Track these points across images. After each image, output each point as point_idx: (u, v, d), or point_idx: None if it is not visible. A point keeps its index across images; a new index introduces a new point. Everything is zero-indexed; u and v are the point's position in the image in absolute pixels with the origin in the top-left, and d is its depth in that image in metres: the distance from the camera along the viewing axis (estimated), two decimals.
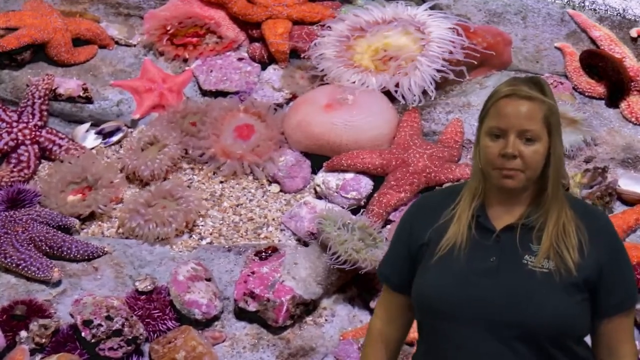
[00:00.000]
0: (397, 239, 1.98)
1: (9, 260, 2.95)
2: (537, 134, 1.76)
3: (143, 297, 2.88)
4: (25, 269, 2.93)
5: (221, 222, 3.32)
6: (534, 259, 1.77)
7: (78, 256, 3.05)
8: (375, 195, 3.28)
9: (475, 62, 3.67)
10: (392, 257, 1.98)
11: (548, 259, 1.77)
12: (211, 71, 3.87)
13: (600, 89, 3.76)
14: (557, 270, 1.76)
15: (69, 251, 3.04)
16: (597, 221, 1.85)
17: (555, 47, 3.97)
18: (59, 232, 3.11)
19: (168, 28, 3.99)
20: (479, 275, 1.78)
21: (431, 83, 3.54)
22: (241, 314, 2.90)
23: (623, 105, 3.70)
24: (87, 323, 2.68)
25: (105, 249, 3.10)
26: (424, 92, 3.55)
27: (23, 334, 2.75)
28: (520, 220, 1.81)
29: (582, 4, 4.11)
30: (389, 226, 3.18)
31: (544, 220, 1.80)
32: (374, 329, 2.01)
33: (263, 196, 3.44)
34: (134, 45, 4.05)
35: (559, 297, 1.75)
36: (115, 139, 3.68)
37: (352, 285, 3.00)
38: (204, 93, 3.85)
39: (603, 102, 3.74)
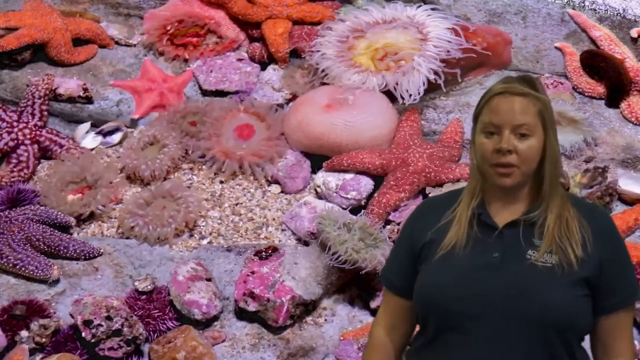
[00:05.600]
0: (400, 243, 1.98)
1: (5, 260, 2.95)
2: (532, 129, 1.78)
3: (143, 297, 2.88)
4: (23, 268, 2.93)
5: (221, 222, 3.32)
6: (537, 253, 1.78)
7: (75, 255, 3.05)
8: (375, 195, 3.28)
9: (475, 62, 3.67)
10: (395, 262, 1.99)
11: (551, 253, 1.78)
12: (211, 71, 3.87)
13: (600, 89, 3.76)
14: (560, 264, 1.77)
15: (65, 250, 3.04)
16: (600, 220, 1.85)
17: (555, 47, 3.97)
18: (56, 230, 3.11)
19: (168, 28, 4.00)
20: (481, 271, 1.79)
21: (424, 84, 3.54)
22: (241, 314, 2.90)
23: (623, 105, 3.70)
24: (87, 323, 2.68)
25: (101, 250, 3.10)
26: (423, 92, 3.55)
27: (23, 333, 2.75)
28: (522, 216, 1.82)
29: (582, 4, 4.11)
30: (389, 226, 3.18)
31: (545, 216, 1.81)
32: (377, 336, 1.99)
33: (263, 196, 3.44)
34: (134, 45, 4.06)
35: (562, 291, 1.75)
36: (115, 139, 3.68)
37: (352, 285, 3.00)
38: (204, 93, 3.85)
39: (603, 102, 3.74)
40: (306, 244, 3.17)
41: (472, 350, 1.77)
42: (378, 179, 3.37)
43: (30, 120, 3.58)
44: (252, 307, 2.84)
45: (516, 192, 1.84)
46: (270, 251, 3.01)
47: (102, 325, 2.68)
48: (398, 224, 3.18)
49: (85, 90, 3.74)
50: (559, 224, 1.80)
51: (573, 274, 1.77)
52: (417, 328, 1.96)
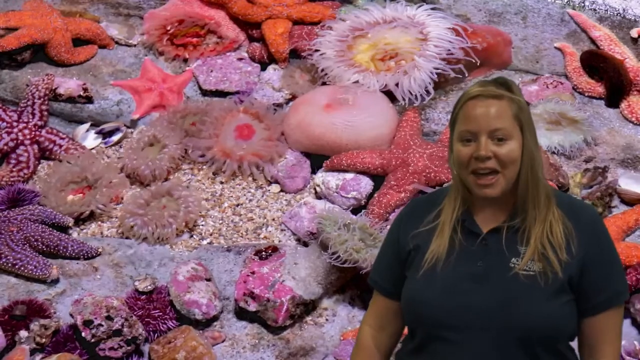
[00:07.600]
0: (386, 245, 1.97)
1: (4, 260, 2.95)
2: (508, 132, 1.74)
3: (143, 297, 2.88)
4: (22, 267, 2.93)
5: (221, 222, 3.32)
6: (520, 261, 1.76)
7: (74, 255, 3.05)
8: (375, 195, 3.28)
9: (475, 62, 3.67)
10: (382, 263, 1.98)
11: (534, 260, 1.75)
12: (211, 71, 3.87)
13: (600, 89, 3.76)
14: (543, 272, 1.74)
15: (64, 250, 3.04)
16: (584, 217, 1.82)
17: (555, 47, 3.97)
18: (55, 230, 3.11)
19: (168, 28, 4.00)
20: (465, 282, 1.77)
21: (430, 83, 3.54)
22: (241, 314, 2.90)
23: (623, 105, 3.70)
24: (87, 323, 2.68)
25: (100, 250, 3.10)
26: (424, 92, 3.55)
27: (23, 333, 2.75)
28: (506, 222, 1.80)
29: (582, 4, 4.11)
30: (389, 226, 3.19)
31: (529, 221, 1.78)
32: (365, 337, 1.99)
33: (263, 196, 3.44)
34: (134, 45, 4.06)
35: (545, 301, 1.73)
36: (115, 139, 3.68)
37: (352, 285, 3.00)
38: (204, 93, 3.85)
39: (603, 102, 3.74)
40: (306, 244, 3.17)
41: None
42: (378, 179, 3.37)
43: (30, 120, 3.58)
44: (252, 307, 2.84)
45: (500, 198, 1.80)
46: (270, 251, 3.01)
47: (102, 325, 2.68)
48: None
49: (85, 90, 3.74)
50: (542, 228, 1.76)
51: (557, 281, 1.74)
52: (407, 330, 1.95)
